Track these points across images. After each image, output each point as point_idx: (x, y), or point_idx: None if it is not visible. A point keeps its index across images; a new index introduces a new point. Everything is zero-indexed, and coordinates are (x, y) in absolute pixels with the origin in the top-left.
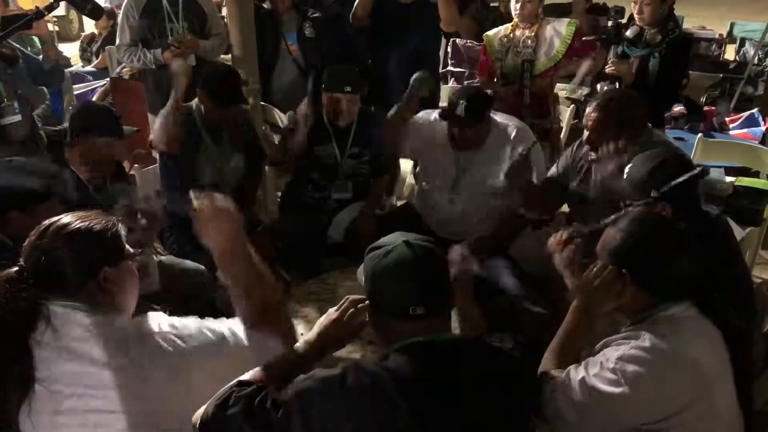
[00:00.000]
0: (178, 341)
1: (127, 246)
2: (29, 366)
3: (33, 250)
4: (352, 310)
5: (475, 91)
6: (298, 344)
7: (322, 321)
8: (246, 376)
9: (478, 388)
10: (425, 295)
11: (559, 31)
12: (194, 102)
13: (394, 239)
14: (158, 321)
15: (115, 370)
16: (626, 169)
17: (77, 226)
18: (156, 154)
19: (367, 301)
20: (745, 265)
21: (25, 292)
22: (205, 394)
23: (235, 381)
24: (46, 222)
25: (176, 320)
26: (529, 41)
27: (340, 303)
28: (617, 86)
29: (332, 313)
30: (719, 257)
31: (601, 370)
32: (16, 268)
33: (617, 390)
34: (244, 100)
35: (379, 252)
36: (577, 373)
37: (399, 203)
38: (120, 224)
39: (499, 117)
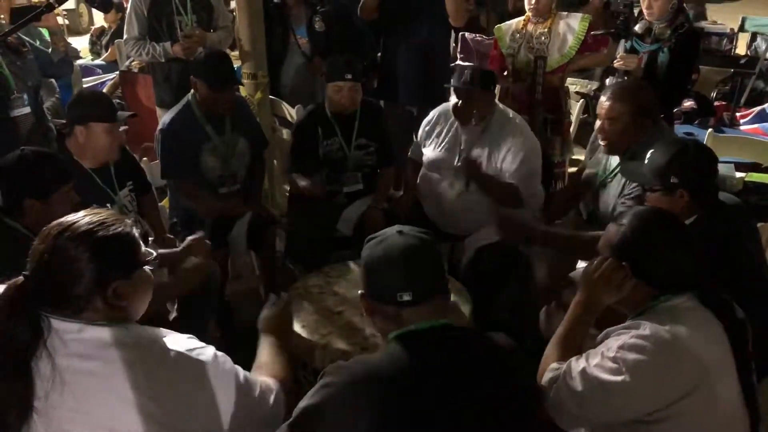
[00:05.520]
0: (194, 355)
1: (143, 248)
2: (29, 392)
3: (38, 259)
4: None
5: (482, 66)
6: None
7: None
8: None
9: (473, 374)
10: (412, 282)
11: (572, 27)
12: (189, 95)
13: (389, 230)
14: (173, 338)
15: (124, 387)
16: (648, 155)
17: (86, 233)
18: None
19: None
20: (763, 256)
21: (27, 311)
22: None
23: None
24: (54, 225)
25: (186, 339)
26: (543, 37)
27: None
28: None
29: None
30: (733, 247)
31: (602, 359)
32: (21, 280)
33: (618, 378)
34: (238, 82)
35: (373, 242)
36: (578, 364)
37: None
38: (134, 226)
39: (506, 108)
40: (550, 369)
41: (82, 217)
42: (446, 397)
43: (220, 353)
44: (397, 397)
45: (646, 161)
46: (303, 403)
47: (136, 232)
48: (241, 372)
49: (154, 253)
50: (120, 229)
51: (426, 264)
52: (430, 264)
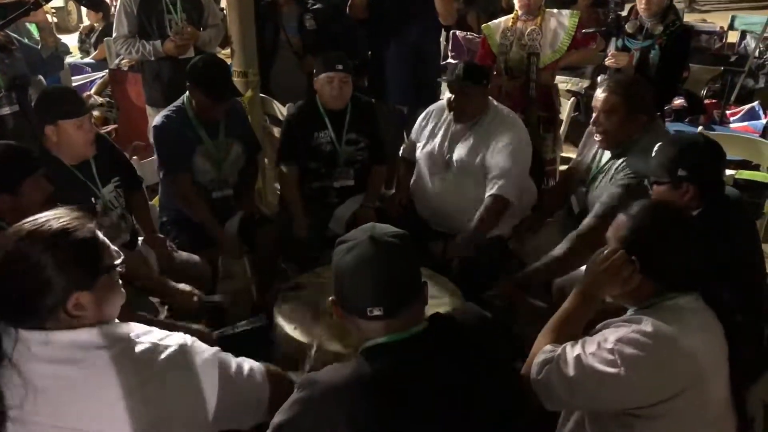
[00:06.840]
0: (167, 341)
1: (109, 250)
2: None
3: None
4: None
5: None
6: None
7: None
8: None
9: (445, 383)
10: (383, 297)
11: (562, 23)
12: (184, 97)
13: (361, 234)
14: (143, 329)
15: (100, 387)
16: (655, 149)
17: (45, 241)
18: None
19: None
20: (761, 252)
21: None
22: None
23: None
24: (12, 232)
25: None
26: (535, 34)
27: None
28: None
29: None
30: (738, 240)
31: (598, 349)
32: None
33: (613, 371)
34: (239, 93)
35: (344, 247)
36: (573, 350)
37: None
38: (97, 229)
39: (500, 105)
40: (543, 351)
41: (42, 223)
42: (418, 409)
43: (191, 337)
44: (365, 412)
45: (653, 154)
46: (277, 419)
47: (100, 234)
48: (222, 353)
49: (122, 256)
50: (82, 235)
51: (398, 276)
52: (403, 275)
